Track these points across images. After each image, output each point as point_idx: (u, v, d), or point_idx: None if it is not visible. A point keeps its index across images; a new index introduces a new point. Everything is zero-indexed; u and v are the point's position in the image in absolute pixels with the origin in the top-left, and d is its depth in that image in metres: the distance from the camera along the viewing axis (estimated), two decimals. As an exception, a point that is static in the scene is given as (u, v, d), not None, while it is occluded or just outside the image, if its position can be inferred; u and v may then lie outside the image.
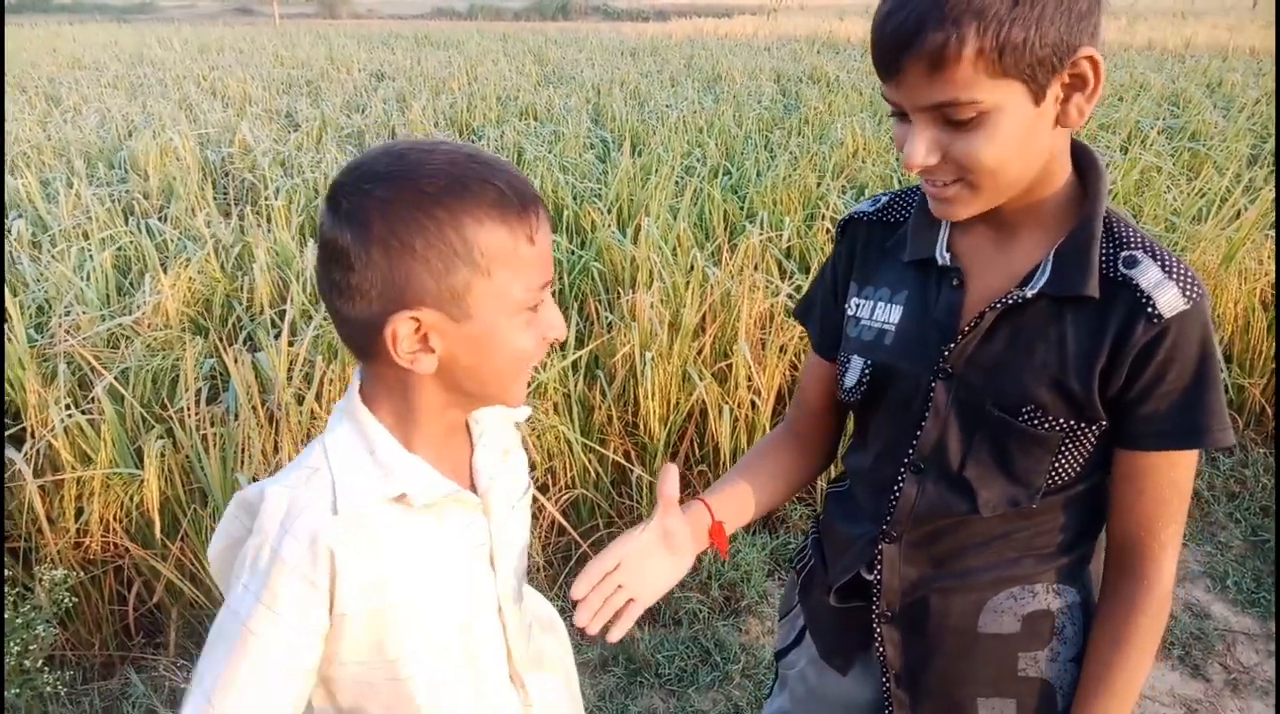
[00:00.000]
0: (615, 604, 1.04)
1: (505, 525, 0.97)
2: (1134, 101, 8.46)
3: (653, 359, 2.88)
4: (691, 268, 3.58)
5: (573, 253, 4.13)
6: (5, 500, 2.33)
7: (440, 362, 0.82)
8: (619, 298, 3.53)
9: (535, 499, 2.63)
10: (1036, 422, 0.95)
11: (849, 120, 6.85)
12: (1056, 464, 0.97)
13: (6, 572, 2.24)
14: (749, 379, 2.98)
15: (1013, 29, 0.80)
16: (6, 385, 2.71)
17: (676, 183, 5.11)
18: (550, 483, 2.77)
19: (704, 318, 3.26)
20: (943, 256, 1.01)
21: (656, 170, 5.23)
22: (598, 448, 2.83)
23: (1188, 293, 0.89)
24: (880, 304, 1.06)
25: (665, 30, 24.30)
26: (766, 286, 3.39)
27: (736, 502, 1.18)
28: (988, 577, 1.03)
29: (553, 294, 0.90)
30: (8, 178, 5.14)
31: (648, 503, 2.85)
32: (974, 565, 1.04)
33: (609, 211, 4.63)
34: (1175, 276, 0.90)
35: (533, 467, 2.73)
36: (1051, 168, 0.93)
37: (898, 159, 5.78)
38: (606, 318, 3.45)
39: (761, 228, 4.17)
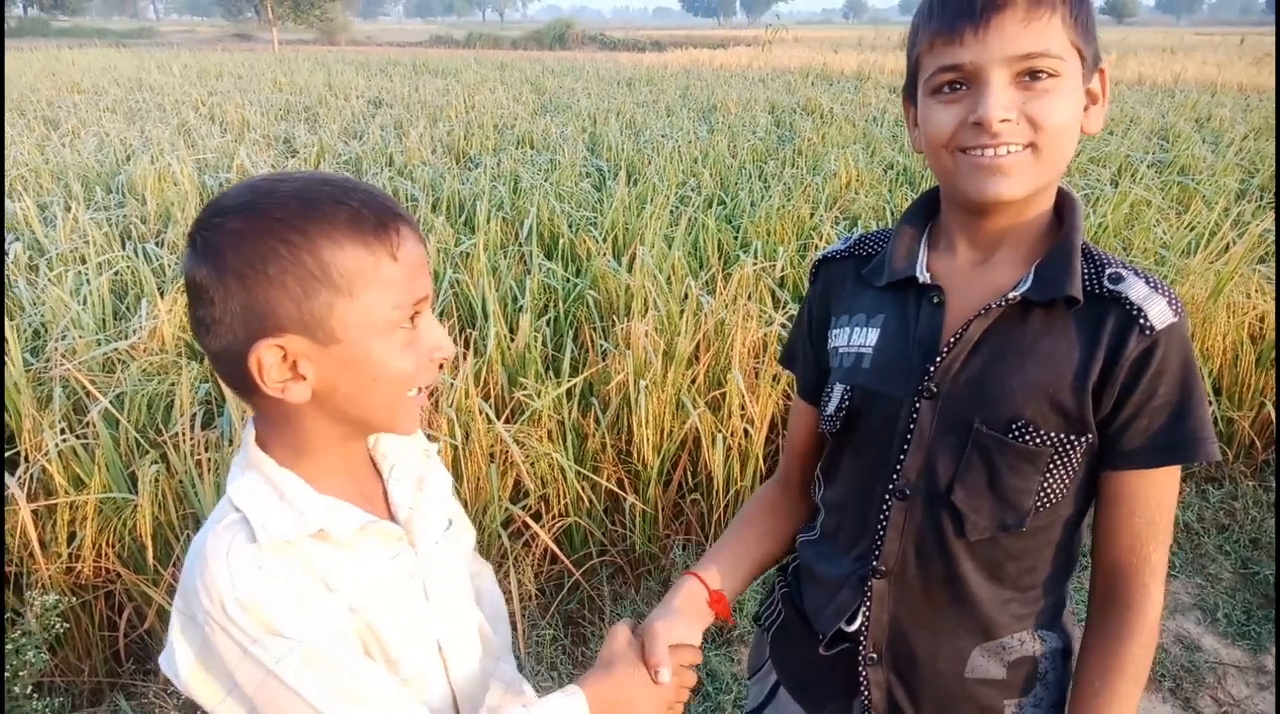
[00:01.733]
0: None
1: (435, 559, 0.95)
2: (1124, 135, 8.56)
3: (647, 387, 2.89)
4: (686, 297, 3.61)
5: (568, 281, 4.16)
6: (2, 525, 2.33)
7: (316, 390, 0.81)
8: (613, 326, 3.55)
9: (527, 526, 2.63)
10: (1027, 437, 0.94)
11: (842, 152, 6.93)
12: (1045, 483, 0.96)
13: (-3, 596, 2.24)
14: (742, 408, 3.00)
15: (1082, 7, 0.88)
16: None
17: (671, 212, 5.15)
18: (543, 511, 2.78)
19: (698, 347, 3.28)
20: (923, 275, 1.00)
21: (651, 199, 5.28)
22: (591, 476, 2.84)
23: (1173, 306, 0.92)
24: (857, 329, 1.06)
25: (661, 60, 24.54)
26: (760, 316, 3.42)
27: (729, 569, 1.15)
28: (980, 619, 1.02)
29: (434, 310, 0.88)
30: (6, 201, 5.16)
31: (641, 531, 2.85)
32: (965, 605, 1.02)
33: (604, 240, 4.66)
34: (1161, 291, 0.92)
35: (526, 495, 2.74)
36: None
37: (887, 191, 5.84)
38: (601, 346, 3.47)
39: (755, 258, 4.21)
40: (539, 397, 2.89)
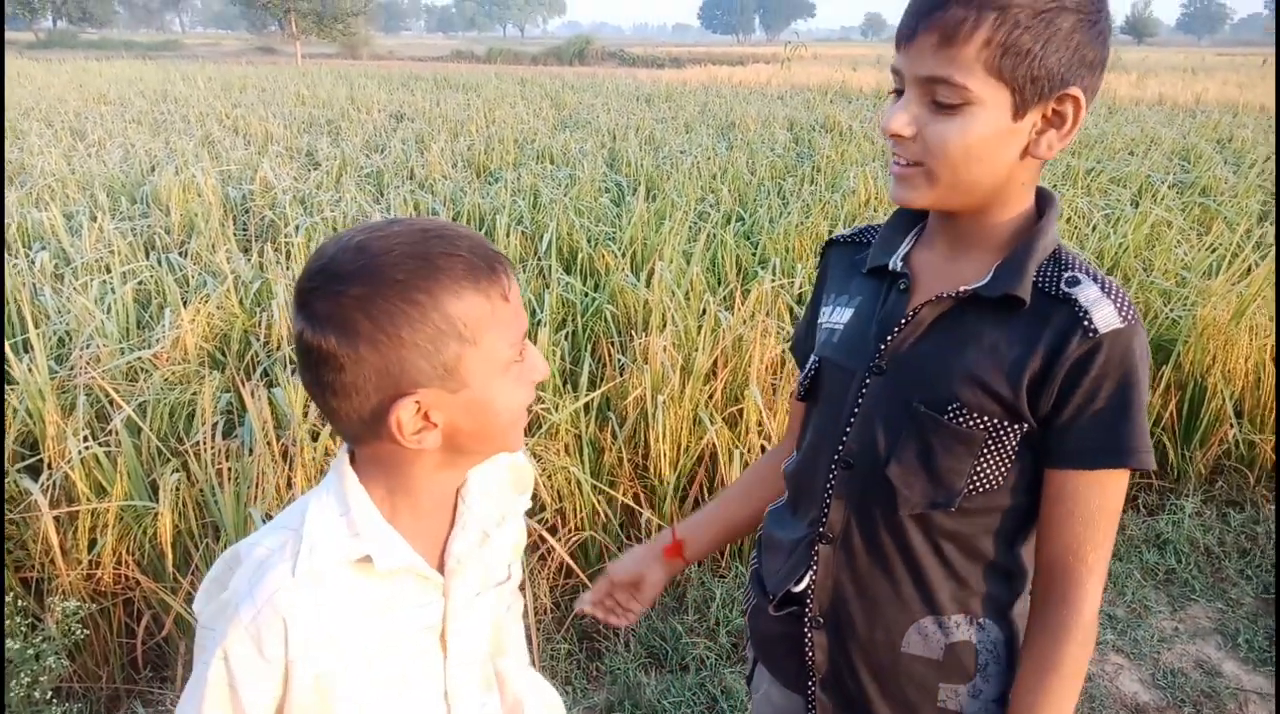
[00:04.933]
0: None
1: (466, 611, 0.96)
2: (1145, 155, 8.53)
3: (664, 402, 2.89)
4: (704, 312, 3.61)
5: (586, 295, 4.17)
6: (4, 531, 2.35)
7: (443, 433, 0.84)
8: (632, 341, 3.56)
9: (543, 540, 2.64)
10: (961, 419, 0.98)
11: (861, 169, 6.93)
12: (978, 467, 0.99)
13: (20, 603, 2.26)
14: (760, 424, 3.00)
15: (1024, 35, 0.87)
16: (26, 416, 2.74)
17: (690, 228, 5.16)
18: (560, 524, 2.78)
19: (716, 362, 3.28)
20: (896, 264, 1.06)
21: (670, 215, 5.29)
22: (607, 490, 2.84)
23: (1123, 313, 0.93)
24: (838, 308, 1.13)
25: (680, 77, 24.65)
26: (778, 332, 3.42)
27: (700, 524, 1.34)
28: (917, 595, 1.05)
29: (528, 336, 0.92)
30: (34, 211, 5.23)
31: (656, 546, 2.85)
32: (903, 580, 1.05)
33: (623, 255, 4.68)
34: (1113, 296, 0.94)
35: (542, 508, 2.74)
36: (1012, 192, 0.98)
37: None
38: (619, 360, 3.47)
39: (774, 274, 4.21)
40: (557, 410, 2.90)
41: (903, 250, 1.07)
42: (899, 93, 0.96)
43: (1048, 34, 0.87)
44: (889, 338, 1.02)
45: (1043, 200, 1.02)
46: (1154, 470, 1.02)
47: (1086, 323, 0.93)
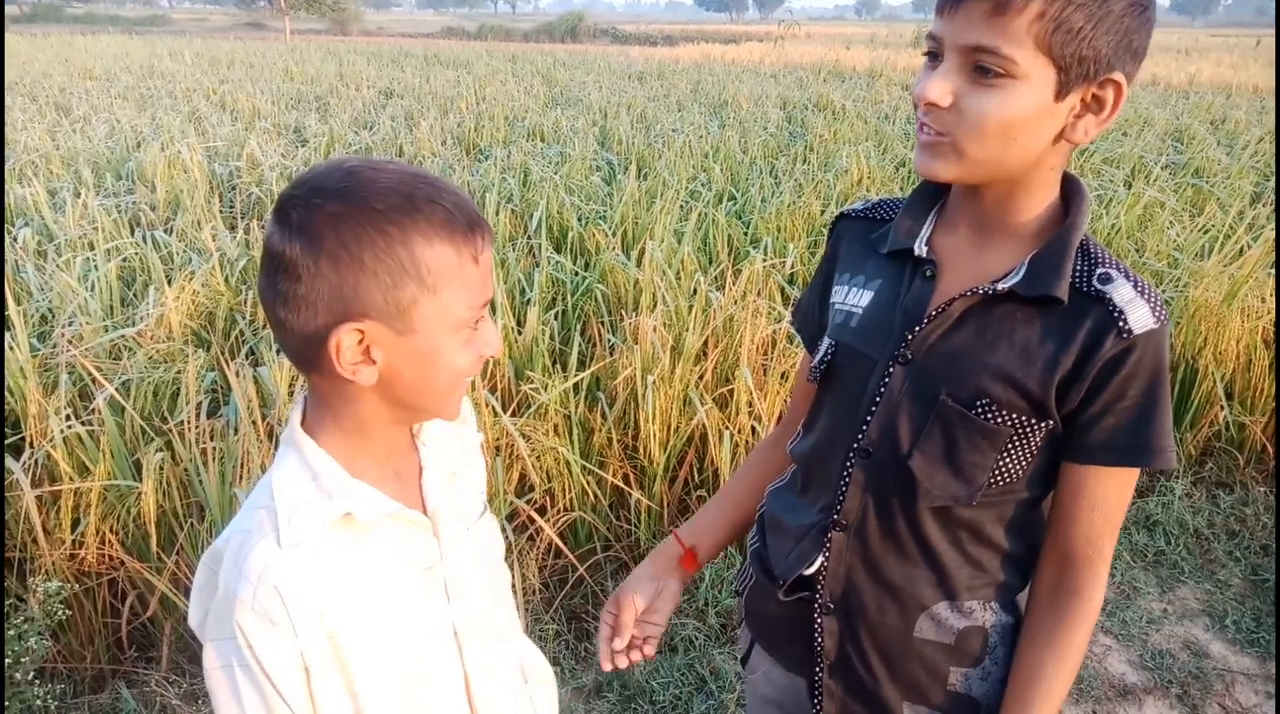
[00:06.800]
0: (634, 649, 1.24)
1: (458, 550, 0.97)
2: (1138, 136, 8.50)
3: (654, 383, 2.87)
4: (695, 292, 3.59)
5: (576, 274, 4.14)
6: (3, 511, 2.32)
7: (381, 374, 0.83)
8: (622, 320, 3.53)
9: (532, 520, 2.62)
10: (989, 415, 0.97)
11: (854, 149, 6.88)
12: (1001, 462, 0.99)
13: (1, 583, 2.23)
14: (750, 405, 2.98)
15: (1077, 13, 0.84)
16: (7, 394, 2.70)
17: (681, 207, 5.13)
18: (549, 505, 2.76)
19: (706, 343, 3.26)
20: (920, 248, 1.03)
21: (661, 194, 5.25)
22: (597, 471, 2.82)
23: (1156, 313, 0.93)
24: (854, 289, 1.10)
25: (673, 55, 24.48)
26: (769, 313, 3.40)
27: (708, 526, 1.29)
28: (932, 580, 1.05)
29: (490, 311, 0.90)
30: (16, 186, 5.16)
31: (646, 527, 2.84)
32: (918, 566, 1.05)
33: (614, 234, 4.64)
34: (1146, 296, 0.94)
35: (531, 488, 2.73)
36: (1039, 177, 0.95)
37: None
38: (609, 340, 3.45)
39: (765, 254, 4.19)
40: (546, 390, 2.87)
41: (925, 233, 1.05)
42: (931, 55, 0.93)
43: (1100, 14, 0.85)
44: (916, 329, 1.00)
45: (1070, 188, 1.00)
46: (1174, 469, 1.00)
47: (1121, 323, 0.92)
